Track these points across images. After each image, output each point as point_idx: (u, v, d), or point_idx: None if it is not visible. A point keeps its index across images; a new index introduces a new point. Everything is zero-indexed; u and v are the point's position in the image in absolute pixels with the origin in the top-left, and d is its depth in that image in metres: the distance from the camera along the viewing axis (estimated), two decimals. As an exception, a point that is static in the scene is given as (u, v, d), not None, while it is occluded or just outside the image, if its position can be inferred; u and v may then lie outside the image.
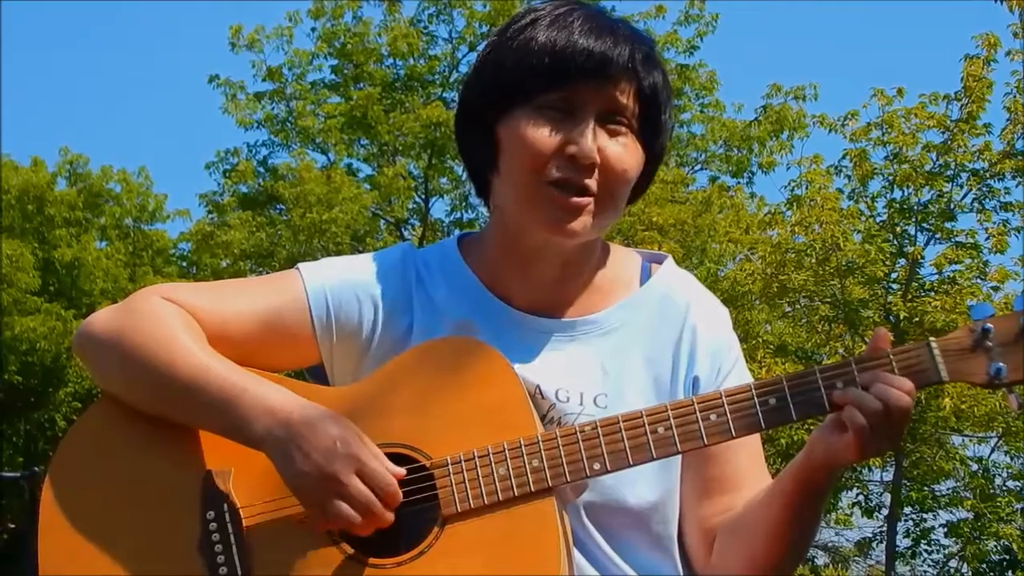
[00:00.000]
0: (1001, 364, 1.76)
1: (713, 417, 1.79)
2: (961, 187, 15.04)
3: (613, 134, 1.89)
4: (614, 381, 1.94)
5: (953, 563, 16.72)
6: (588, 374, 1.94)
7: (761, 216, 17.06)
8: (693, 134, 20.17)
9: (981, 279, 14.75)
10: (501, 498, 1.79)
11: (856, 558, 18.30)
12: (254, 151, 20.84)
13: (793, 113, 18.51)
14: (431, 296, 1.99)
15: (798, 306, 15.79)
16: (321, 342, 1.98)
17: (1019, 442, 15.68)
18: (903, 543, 16.51)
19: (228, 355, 1.91)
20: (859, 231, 15.08)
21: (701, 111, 20.26)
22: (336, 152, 20.19)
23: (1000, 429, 15.06)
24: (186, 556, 1.85)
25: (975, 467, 16.05)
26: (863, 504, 16.42)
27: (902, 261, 15.27)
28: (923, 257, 15.09)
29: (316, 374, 2.02)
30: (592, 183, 1.87)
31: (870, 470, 16.15)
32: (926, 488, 16.12)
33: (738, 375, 1.99)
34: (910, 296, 14.59)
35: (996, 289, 14.58)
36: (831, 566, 18.58)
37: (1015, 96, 14.39)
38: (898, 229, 15.29)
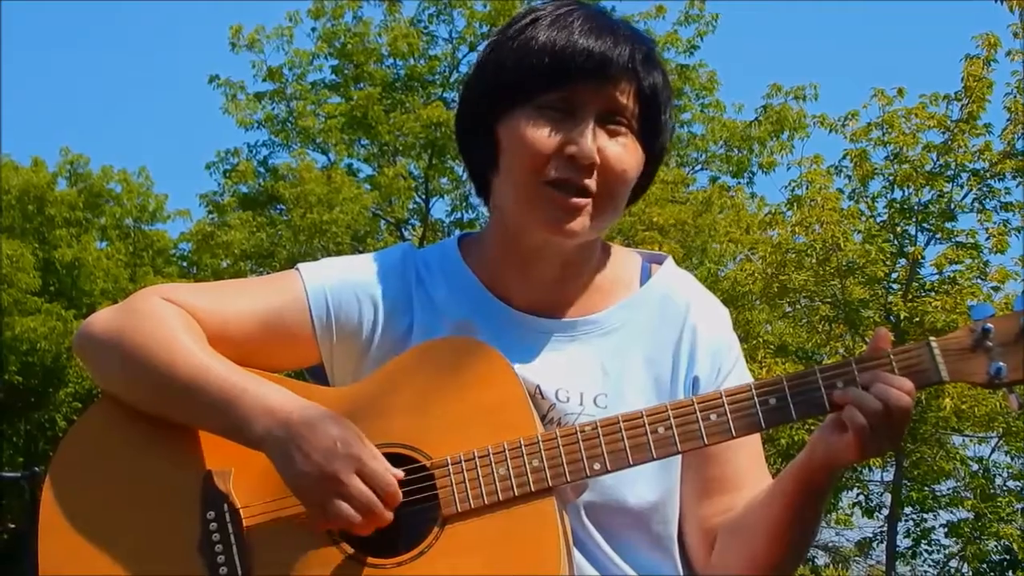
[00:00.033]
0: (1001, 364, 1.76)
1: (713, 417, 1.79)
2: (961, 187, 15.05)
3: (613, 134, 1.89)
4: (614, 381, 1.94)
5: (954, 563, 16.72)
6: (588, 374, 1.94)
7: (761, 216, 17.07)
8: (693, 134, 20.18)
9: (981, 279, 14.75)
10: (501, 498, 1.79)
11: (856, 558, 18.31)
12: (254, 151, 20.87)
13: (793, 113, 18.51)
14: (431, 296, 1.99)
15: (799, 306, 15.80)
16: (321, 342, 1.98)
17: (1019, 442, 15.69)
18: (903, 543, 16.52)
19: (228, 355, 1.91)
20: (859, 231, 15.08)
21: (701, 111, 20.26)
22: (336, 152, 20.20)
23: (1000, 429, 15.07)
24: (186, 556, 1.85)
25: (975, 467, 16.06)
26: (863, 504, 16.43)
27: (902, 261, 15.27)
28: (923, 257, 15.10)
29: (316, 374, 2.02)
30: (591, 183, 1.87)
31: (870, 470, 16.15)
32: (927, 488, 16.12)
33: (738, 375, 1.99)
34: (910, 296, 14.59)
35: (996, 289, 14.58)
36: (831, 566, 18.58)
37: (1015, 96, 14.39)
38: (898, 229, 15.29)
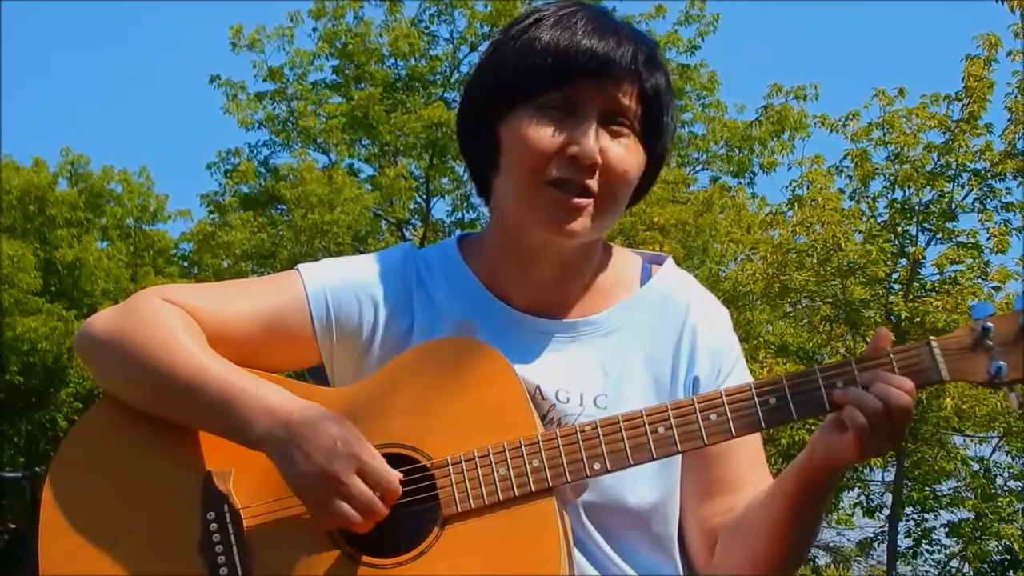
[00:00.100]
0: (1001, 363, 1.76)
1: (713, 417, 1.79)
2: (962, 187, 15.04)
3: (615, 135, 1.89)
4: (614, 381, 1.94)
5: (954, 563, 16.72)
6: (588, 375, 1.94)
7: (762, 216, 17.07)
8: (694, 134, 20.19)
9: (982, 279, 14.75)
10: (501, 498, 1.79)
11: (857, 558, 18.31)
12: (255, 151, 20.87)
13: (794, 113, 18.51)
14: (431, 296, 1.99)
15: (799, 306, 15.79)
16: (321, 343, 1.98)
17: (1020, 442, 15.68)
18: (904, 543, 16.51)
19: (228, 356, 1.91)
20: (860, 231, 15.08)
21: (702, 111, 20.26)
22: (337, 152, 20.20)
23: (1001, 429, 15.06)
24: (186, 557, 1.85)
25: (976, 467, 16.05)
26: (864, 504, 16.43)
27: (903, 261, 15.27)
28: (924, 257, 15.10)
29: (316, 375, 2.02)
30: (593, 184, 1.87)
31: (871, 470, 16.15)
32: (927, 488, 16.12)
33: (738, 375, 1.99)
34: (911, 296, 14.59)
35: (997, 289, 14.57)
36: (832, 566, 18.58)
37: (1016, 96, 14.39)
38: (899, 229, 15.29)
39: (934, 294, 14.53)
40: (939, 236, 15.12)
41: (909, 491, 15.95)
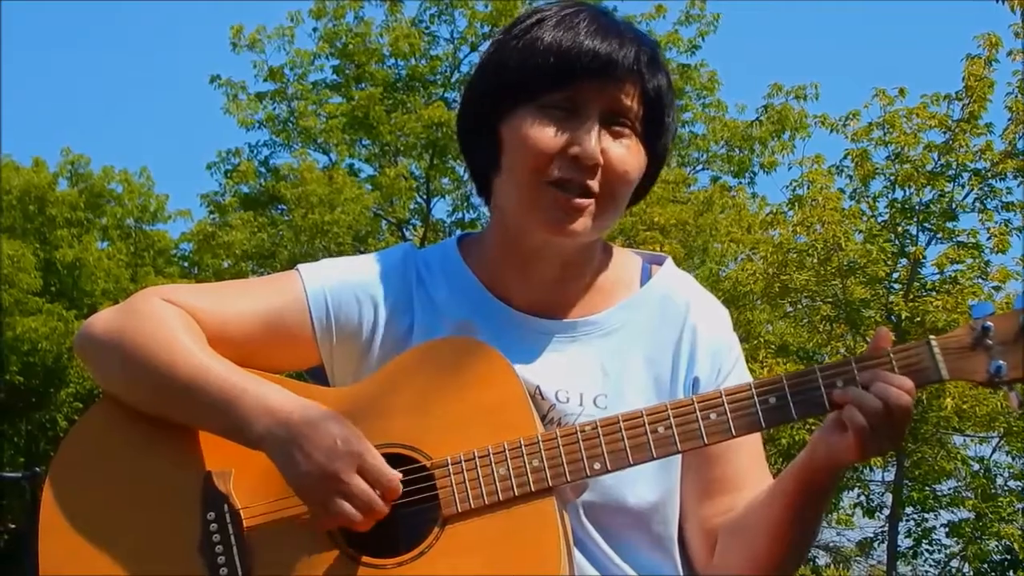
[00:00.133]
0: (1001, 362, 1.76)
1: (713, 416, 1.79)
2: (963, 187, 15.05)
3: (617, 136, 1.89)
4: (614, 382, 1.94)
5: (955, 563, 16.72)
6: (588, 375, 1.94)
7: (763, 216, 17.07)
8: (695, 134, 20.19)
9: (983, 279, 14.76)
10: (501, 498, 1.79)
11: (858, 558, 18.30)
12: (255, 151, 20.88)
13: (795, 113, 18.51)
14: (432, 296, 1.99)
15: (800, 306, 15.80)
16: (321, 343, 1.98)
17: (1020, 442, 15.69)
18: (904, 543, 16.52)
19: (228, 356, 1.91)
20: (861, 231, 15.08)
21: (703, 111, 20.26)
22: (338, 152, 20.20)
23: (1001, 429, 15.08)
24: (187, 557, 1.85)
25: (976, 467, 16.06)
26: (864, 504, 16.43)
27: (904, 261, 15.27)
28: (925, 257, 15.11)
29: (316, 375, 2.02)
30: (594, 184, 1.87)
31: (871, 470, 16.16)
32: (927, 488, 16.13)
33: (738, 375, 1.99)
34: (912, 296, 14.59)
35: (998, 289, 14.57)
36: (832, 566, 18.58)
37: (1016, 96, 14.39)
38: (900, 229, 15.29)
39: (934, 294, 14.54)
40: (939, 236, 15.12)
41: (909, 491, 15.96)
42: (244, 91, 20.12)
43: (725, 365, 1.99)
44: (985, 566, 16.32)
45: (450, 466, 1.81)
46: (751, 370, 2.04)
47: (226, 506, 1.85)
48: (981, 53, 14.27)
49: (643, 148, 1.93)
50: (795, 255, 14.80)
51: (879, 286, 14.93)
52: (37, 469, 8.28)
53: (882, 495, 16.56)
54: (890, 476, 16.16)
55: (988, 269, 14.76)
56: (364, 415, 1.85)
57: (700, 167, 20.54)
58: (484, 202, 2.04)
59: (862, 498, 16.48)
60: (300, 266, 2.03)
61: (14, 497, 20.11)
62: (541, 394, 1.91)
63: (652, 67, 1.91)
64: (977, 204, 15.05)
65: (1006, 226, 14.67)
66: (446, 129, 18.33)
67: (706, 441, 1.80)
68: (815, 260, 14.59)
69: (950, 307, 13.53)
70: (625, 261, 2.06)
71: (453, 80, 20.75)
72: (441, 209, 24.03)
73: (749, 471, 1.97)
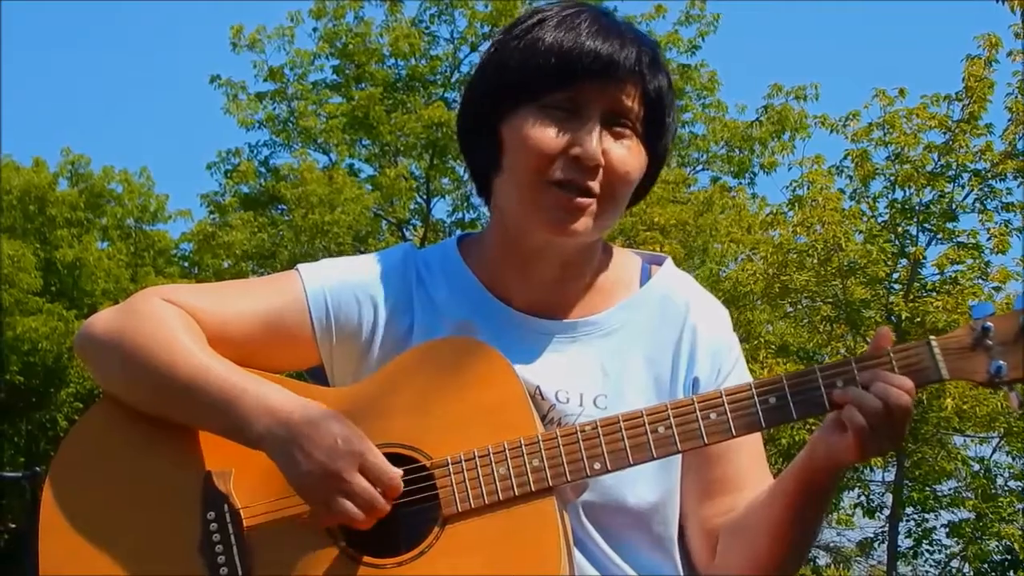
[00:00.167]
0: (1001, 362, 1.76)
1: (713, 416, 1.79)
2: (963, 187, 15.06)
3: (618, 136, 1.89)
4: (614, 382, 1.94)
5: (955, 563, 16.72)
6: (588, 375, 1.94)
7: (763, 216, 17.07)
8: (695, 134, 20.19)
9: (983, 279, 14.76)
10: (501, 498, 1.79)
11: (858, 558, 18.30)
12: (255, 151, 20.89)
13: (795, 113, 18.51)
14: (432, 296, 1.99)
15: (800, 306, 15.81)
16: (321, 344, 1.98)
17: (1021, 442, 15.69)
18: (905, 543, 16.52)
19: (228, 356, 1.91)
20: (861, 231, 15.09)
21: (703, 111, 20.26)
22: (338, 152, 20.21)
23: (1002, 429, 15.08)
24: (187, 557, 1.85)
25: (977, 467, 16.07)
26: (865, 504, 16.43)
27: (904, 261, 15.28)
28: (925, 257, 15.12)
29: (316, 375, 2.02)
30: (595, 185, 1.87)
31: (872, 470, 16.16)
32: (928, 488, 16.13)
33: (738, 376, 1.99)
34: (912, 296, 14.60)
35: (998, 289, 14.58)
36: (833, 566, 18.57)
37: (1016, 96, 14.39)
38: (900, 229, 15.30)
39: (934, 294, 14.54)
40: (939, 236, 15.13)
41: (909, 491, 15.96)
42: (244, 91, 20.15)
43: (725, 365, 1.99)
44: (985, 566, 16.32)
45: (450, 466, 1.81)
46: (751, 370, 2.05)
47: (226, 506, 1.85)
48: (981, 54, 14.29)
49: (644, 148, 1.93)
50: (795, 255, 14.80)
51: (879, 286, 14.94)
52: (37, 469, 8.28)
53: (882, 495, 16.57)
54: (890, 476, 16.16)
55: (988, 270, 14.77)
56: (364, 415, 1.85)
57: (700, 167, 20.55)
58: (484, 202, 2.04)
59: (862, 498, 16.49)
60: (300, 266, 2.03)
61: (14, 497, 20.12)
62: (541, 394, 1.91)
63: (653, 68, 1.91)
64: (977, 205, 15.07)
65: (1006, 227, 14.69)
66: (446, 129, 18.33)
67: (706, 441, 1.80)
68: (815, 260, 14.59)
69: (950, 308, 13.54)
70: (625, 261, 2.06)
71: (453, 80, 20.75)
72: (441, 209, 24.07)
73: (750, 471, 1.97)
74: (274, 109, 20.36)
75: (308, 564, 1.82)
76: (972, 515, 15.59)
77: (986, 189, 14.98)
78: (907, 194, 15.25)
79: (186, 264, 23.25)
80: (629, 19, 2.01)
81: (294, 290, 1.98)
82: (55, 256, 21.72)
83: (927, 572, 17.18)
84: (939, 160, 14.89)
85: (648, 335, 1.97)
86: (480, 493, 1.79)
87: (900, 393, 1.73)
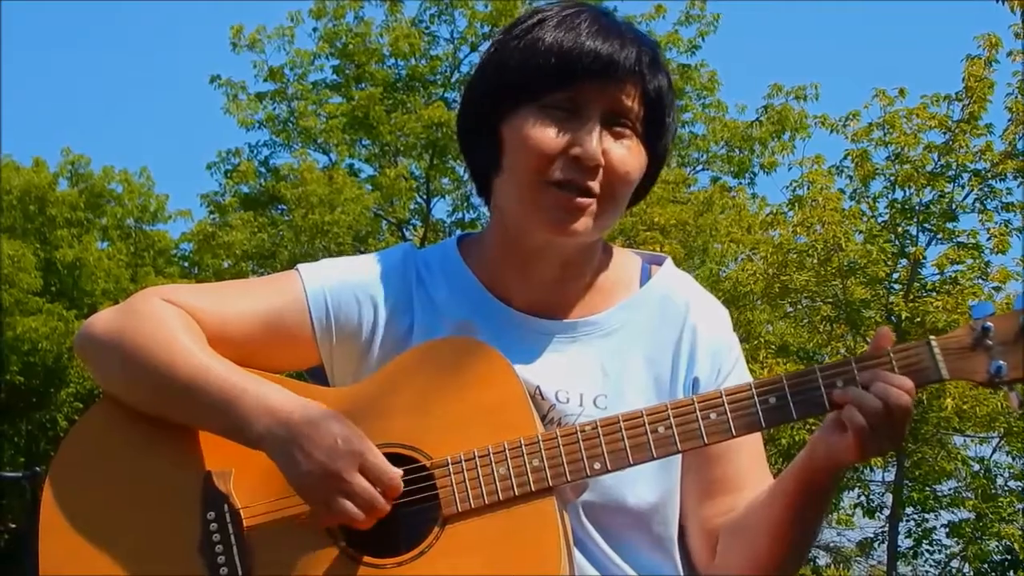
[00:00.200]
0: (1001, 362, 1.76)
1: (713, 416, 1.79)
2: (963, 187, 15.06)
3: (618, 136, 1.89)
4: (614, 382, 1.94)
5: (955, 563, 16.72)
6: (588, 375, 1.94)
7: (763, 216, 17.07)
8: (695, 134, 20.19)
9: (983, 279, 14.76)
10: (501, 498, 1.79)
11: (858, 558, 18.30)
12: (255, 151, 20.88)
13: (795, 113, 18.51)
14: (431, 296, 1.99)
15: (800, 306, 15.80)
16: (321, 344, 1.98)
17: (1021, 442, 15.68)
18: (905, 543, 16.52)
19: (228, 356, 1.91)
20: (861, 231, 15.09)
21: (703, 111, 20.26)
22: (338, 152, 20.20)
23: (1002, 429, 15.07)
24: (187, 557, 1.85)
25: (977, 467, 16.06)
26: (865, 504, 16.42)
27: (904, 261, 15.28)
28: (925, 257, 15.11)
29: (316, 375, 2.02)
30: (595, 185, 1.87)
31: (872, 470, 16.15)
32: (928, 488, 16.13)
33: (738, 376, 1.99)
34: (912, 296, 14.60)
35: (998, 289, 14.57)
36: (833, 566, 18.57)
37: (1016, 96, 14.39)
38: (900, 229, 15.30)
39: (934, 294, 14.54)
40: (939, 236, 15.13)
41: (909, 491, 15.96)
42: (244, 91, 20.14)
43: (725, 365, 1.99)
44: (985, 566, 16.32)
45: (450, 466, 1.81)
46: (751, 370, 2.05)
47: (226, 506, 1.85)
48: (981, 54, 14.29)
49: (644, 148, 1.93)
50: (795, 255, 14.80)
51: (879, 286, 14.94)
52: (37, 469, 8.28)
53: (882, 495, 16.56)
54: (890, 476, 16.16)
55: (988, 270, 14.77)
56: (364, 415, 1.85)
57: (700, 167, 20.55)
58: (484, 202, 2.04)
59: (862, 498, 16.48)
60: (300, 266, 2.03)
61: (14, 497, 20.12)
62: (541, 394, 1.91)
63: (653, 68, 1.91)
64: (977, 205, 15.07)
65: (1006, 227, 14.69)
66: (446, 129, 18.33)
67: (706, 441, 1.80)
68: (815, 260, 14.59)
69: (950, 308, 13.54)
70: (625, 261, 2.06)
71: (453, 80, 20.75)
72: (441, 209, 24.05)
73: (750, 471, 1.97)
74: (274, 109, 20.36)
75: (308, 564, 1.82)
76: (972, 515, 15.58)
77: (986, 189, 14.98)
78: (907, 194, 15.26)
79: (186, 264, 23.25)
80: (629, 19, 2.01)
81: (294, 290, 1.98)
82: (55, 256, 21.72)
83: (927, 572, 17.18)
84: (939, 160, 14.89)
85: (648, 335, 1.97)
86: (480, 493, 1.79)
87: (900, 393, 1.73)
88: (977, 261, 14.79)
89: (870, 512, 16.42)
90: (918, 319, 13.84)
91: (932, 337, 1.78)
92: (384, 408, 1.86)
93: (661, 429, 1.80)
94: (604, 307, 1.99)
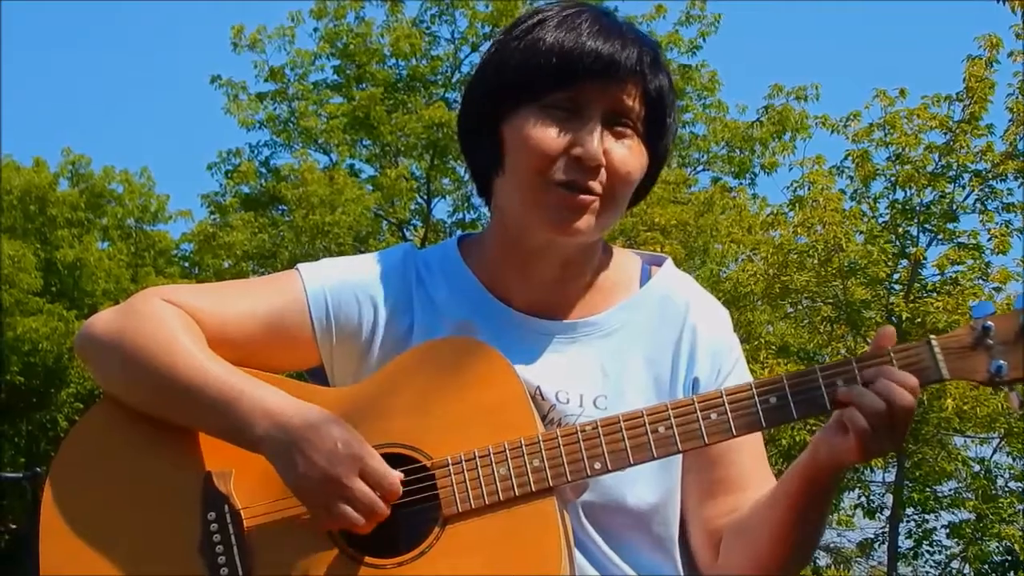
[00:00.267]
0: (1002, 362, 1.76)
1: (714, 416, 1.79)
2: (963, 188, 15.05)
3: (619, 136, 1.89)
4: (614, 382, 1.94)
5: (955, 564, 16.71)
6: (588, 376, 1.94)
7: (763, 217, 17.06)
8: (695, 134, 20.19)
9: (983, 280, 14.75)
10: (502, 498, 1.79)
11: (858, 559, 18.28)
12: (256, 152, 20.87)
13: (795, 114, 18.51)
14: (431, 297, 1.99)
15: (800, 307, 15.80)
16: (321, 344, 1.98)
17: (1021, 443, 15.68)
18: (905, 544, 16.51)
19: (228, 357, 1.91)
20: (861, 232, 15.08)
21: (703, 111, 20.26)
22: (338, 153, 20.20)
23: (1002, 430, 15.07)
24: (187, 557, 1.85)
25: (977, 468, 16.05)
26: (865, 505, 16.41)
27: (904, 262, 15.27)
28: (925, 258, 15.10)
29: (316, 375, 2.02)
30: (596, 185, 1.87)
31: (872, 471, 16.15)
32: (928, 489, 16.12)
33: (738, 376, 1.99)
34: (912, 297, 14.59)
35: (998, 290, 14.56)
36: (833, 567, 18.56)
37: (1017, 97, 14.38)
38: (900, 230, 15.30)
39: (935, 295, 14.53)
40: (940, 237, 15.13)
41: (910, 492, 15.95)
42: (245, 91, 20.13)
43: (725, 365, 1.99)
44: (986, 567, 16.30)
45: (450, 466, 1.81)
46: (752, 371, 2.05)
47: (226, 506, 1.85)
48: (982, 54, 14.28)
49: (645, 148, 1.93)
50: (796, 256, 14.80)
51: (880, 287, 14.93)
52: (38, 469, 8.28)
53: (883, 496, 16.55)
54: (891, 477, 16.15)
55: (989, 270, 14.76)
56: (364, 415, 1.85)
57: (701, 168, 20.54)
58: (485, 203, 2.04)
59: (863, 499, 16.46)
60: (300, 266, 2.02)
61: (15, 497, 20.11)
62: (541, 395, 1.91)
63: (654, 68, 1.91)
64: (978, 205, 15.06)
65: (1007, 227, 14.68)
66: (447, 129, 18.33)
67: (707, 441, 1.80)
68: (816, 261, 14.59)
69: (951, 308, 13.53)
70: (625, 262, 2.06)
71: (454, 80, 20.74)
72: (442, 210, 24.10)
73: (752, 471, 1.97)
74: (275, 109, 20.36)
75: (308, 564, 1.82)
76: (972, 516, 15.57)
77: (987, 190, 14.98)
78: (908, 195, 15.25)
79: (186, 264, 23.25)
80: (630, 19, 2.01)
81: (294, 290, 1.98)
82: (55, 256, 21.73)
83: (927, 573, 17.17)
84: (940, 161, 14.89)
85: (648, 335, 1.97)
86: (480, 493, 1.79)
87: (904, 393, 1.72)
88: (978, 262, 14.78)
89: (870, 513, 16.41)
90: (919, 320, 13.83)
91: (932, 337, 1.78)
92: (384, 408, 1.86)
93: (661, 429, 1.80)
94: (604, 307, 1.99)
